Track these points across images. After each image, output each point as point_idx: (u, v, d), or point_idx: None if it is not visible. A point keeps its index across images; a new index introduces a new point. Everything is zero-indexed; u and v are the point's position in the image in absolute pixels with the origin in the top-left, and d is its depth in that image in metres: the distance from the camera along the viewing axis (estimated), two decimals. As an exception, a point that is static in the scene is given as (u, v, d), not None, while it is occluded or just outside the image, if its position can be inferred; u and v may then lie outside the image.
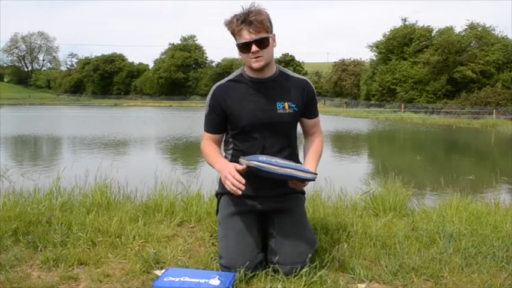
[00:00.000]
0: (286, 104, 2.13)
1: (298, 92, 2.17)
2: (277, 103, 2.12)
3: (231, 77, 2.21)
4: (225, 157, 2.27)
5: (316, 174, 2.00)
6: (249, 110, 2.11)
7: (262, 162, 1.92)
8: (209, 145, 2.21)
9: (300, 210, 2.20)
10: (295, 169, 1.95)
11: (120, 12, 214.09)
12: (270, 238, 2.11)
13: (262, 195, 2.13)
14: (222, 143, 2.30)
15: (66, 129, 19.11)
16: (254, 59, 2.04)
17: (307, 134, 2.31)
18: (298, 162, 2.19)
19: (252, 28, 1.98)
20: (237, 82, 2.17)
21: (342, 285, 1.94)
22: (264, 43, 2.02)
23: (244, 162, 1.97)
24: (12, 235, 2.44)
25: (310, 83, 2.26)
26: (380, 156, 12.74)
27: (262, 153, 2.10)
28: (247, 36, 2.00)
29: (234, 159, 2.16)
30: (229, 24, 2.04)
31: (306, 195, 2.36)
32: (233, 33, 2.05)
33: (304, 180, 1.99)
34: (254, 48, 2.01)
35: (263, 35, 2.01)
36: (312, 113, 2.26)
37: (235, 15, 2.02)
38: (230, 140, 2.24)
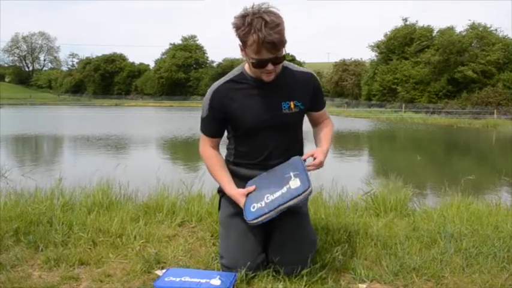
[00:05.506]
0: (291, 104, 2.04)
1: (304, 88, 2.09)
2: (283, 103, 2.04)
3: (230, 76, 2.09)
4: (227, 155, 2.21)
5: (308, 187, 1.89)
6: (253, 112, 2.02)
7: (263, 214, 1.90)
8: (212, 156, 2.14)
9: (302, 211, 2.16)
10: (290, 199, 1.89)
11: (121, 12, 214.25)
12: (271, 238, 2.09)
13: None
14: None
15: (67, 129, 19.12)
16: (266, 74, 1.95)
17: (316, 124, 2.25)
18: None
19: (274, 48, 1.84)
20: (238, 83, 2.05)
21: (343, 285, 1.94)
22: (280, 60, 1.93)
23: (253, 223, 1.94)
24: (13, 235, 2.44)
25: (315, 75, 2.16)
26: (381, 157, 12.74)
27: (268, 156, 2.07)
28: (264, 55, 1.86)
29: (237, 160, 2.14)
30: (244, 36, 1.84)
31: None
32: (244, 43, 1.88)
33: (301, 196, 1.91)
34: (270, 66, 1.90)
35: (281, 52, 1.89)
36: (320, 106, 2.20)
37: (251, 24, 1.80)
38: (232, 140, 2.18)
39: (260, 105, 2.03)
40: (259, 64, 1.91)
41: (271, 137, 2.07)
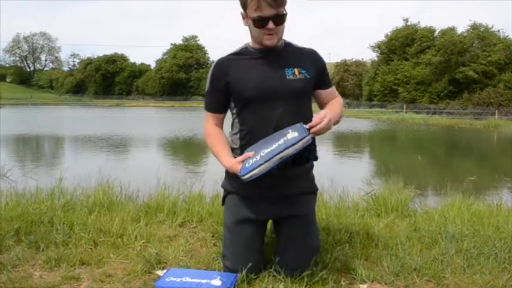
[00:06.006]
0: (296, 70, 1.97)
1: (308, 59, 2.04)
2: (286, 69, 1.97)
3: (234, 51, 2.07)
4: (232, 143, 2.09)
5: (307, 135, 1.78)
6: (255, 79, 1.95)
7: (258, 166, 1.78)
8: (214, 133, 2.07)
9: (309, 216, 2.09)
10: (286, 148, 1.77)
11: (121, 12, 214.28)
12: (276, 238, 2.08)
13: (271, 196, 2.01)
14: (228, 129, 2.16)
15: (68, 129, 19.13)
16: (268, 36, 1.91)
17: (325, 105, 2.13)
18: (315, 150, 2.00)
19: (274, 2, 1.83)
20: (241, 55, 2.03)
21: (343, 286, 1.93)
22: (282, 19, 1.90)
23: (246, 178, 1.82)
24: (14, 235, 2.45)
25: (318, 52, 2.13)
26: (382, 157, 12.74)
27: (274, 131, 1.92)
28: (266, 11, 1.85)
29: (243, 142, 2.01)
30: None
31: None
32: (245, 3, 1.89)
33: (302, 142, 1.78)
34: (271, 25, 1.87)
35: (282, 10, 1.88)
36: (326, 82, 2.13)
37: None
38: (235, 120, 2.07)
39: (263, 72, 1.97)
40: (260, 22, 1.88)
41: (275, 108, 1.94)
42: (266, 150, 1.82)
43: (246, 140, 2.01)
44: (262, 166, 1.78)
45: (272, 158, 1.78)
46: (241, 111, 2.02)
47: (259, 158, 1.81)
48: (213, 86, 2.04)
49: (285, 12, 1.90)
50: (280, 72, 1.97)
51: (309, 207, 2.11)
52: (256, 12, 1.86)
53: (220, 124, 2.12)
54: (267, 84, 1.95)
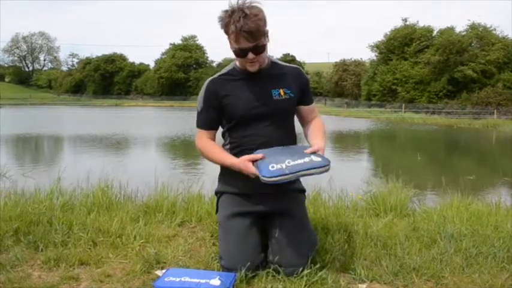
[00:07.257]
0: (281, 91, 2.12)
1: (292, 79, 2.18)
2: (272, 91, 2.11)
3: (223, 71, 2.19)
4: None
5: (328, 164, 1.91)
6: (245, 101, 2.09)
7: (283, 174, 1.86)
8: (210, 143, 2.17)
9: (301, 211, 2.18)
10: (311, 168, 1.89)
11: (121, 12, 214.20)
12: (270, 239, 2.09)
13: (262, 192, 2.08)
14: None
15: (67, 129, 19.11)
16: (249, 64, 2.05)
17: (306, 121, 2.29)
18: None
19: (251, 37, 1.94)
20: (230, 75, 2.15)
21: (342, 286, 1.94)
22: (260, 50, 2.02)
23: (269, 181, 1.89)
24: (13, 235, 2.44)
25: (302, 70, 2.29)
26: (381, 157, 12.75)
27: (263, 145, 2.06)
28: (245, 44, 1.97)
29: (233, 152, 2.13)
30: (225, 26, 1.98)
31: (306, 194, 2.35)
32: (227, 33, 2.02)
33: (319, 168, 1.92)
34: (251, 55, 2.00)
35: (260, 42, 1.99)
36: (308, 99, 2.27)
37: (231, 16, 1.94)
38: (226, 133, 2.22)
39: (251, 93, 2.10)
40: (240, 53, 2.01)
41: (263, 126, 2.10)
42: (292, 162, 1.90)
43: (237, 150, 2.12)
44: (286, 176, 1.88)
45: (297, 172, 1.88)
46: (232, 127, 2.17)
47: (285, 167, 1.89)
48: (207, 104, 2.15)
49: (264, 43, 2.01)
50: (267, 93, 2.11)
51: (302, 203, 2.23)
52: (236, 44, 1.99)
53: (213, 139, 2.22)
54: (255, 105, 2.09)
